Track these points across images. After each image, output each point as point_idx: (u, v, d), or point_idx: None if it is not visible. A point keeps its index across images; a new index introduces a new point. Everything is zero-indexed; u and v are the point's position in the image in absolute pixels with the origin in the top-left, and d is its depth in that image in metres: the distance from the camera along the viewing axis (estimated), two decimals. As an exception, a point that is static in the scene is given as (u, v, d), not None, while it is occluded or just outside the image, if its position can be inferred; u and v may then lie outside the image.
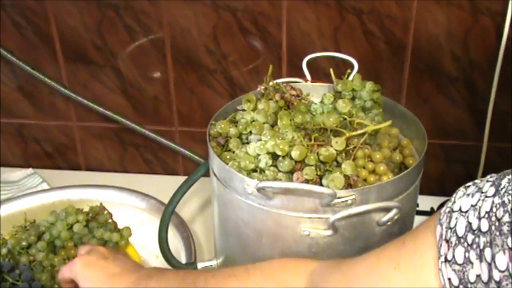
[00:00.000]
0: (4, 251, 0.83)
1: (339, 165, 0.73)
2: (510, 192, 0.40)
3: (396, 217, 0.71)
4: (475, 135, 1.04)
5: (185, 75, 1.07)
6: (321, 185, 0.72)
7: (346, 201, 0.68)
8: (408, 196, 0.74)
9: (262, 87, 0.85)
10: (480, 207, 0.42)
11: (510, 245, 0.38)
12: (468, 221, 0.42)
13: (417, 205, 0.84)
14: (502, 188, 0.41)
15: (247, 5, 0.98)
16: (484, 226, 0.41)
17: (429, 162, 0.80)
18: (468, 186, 0.45)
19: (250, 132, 0.79)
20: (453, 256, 0.42)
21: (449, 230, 0.43)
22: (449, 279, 0.43)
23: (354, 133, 0.76)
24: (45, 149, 1.19)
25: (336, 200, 0.68)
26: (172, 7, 1.00)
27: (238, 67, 1.05)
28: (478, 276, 0.40)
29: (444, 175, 1.11)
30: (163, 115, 1.12)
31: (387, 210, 0.70)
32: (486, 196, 0.42)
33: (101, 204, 0.94)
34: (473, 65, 0.99)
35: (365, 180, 0.74)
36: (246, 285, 0.61)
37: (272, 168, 0.74)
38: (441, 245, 0.44)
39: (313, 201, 0.69)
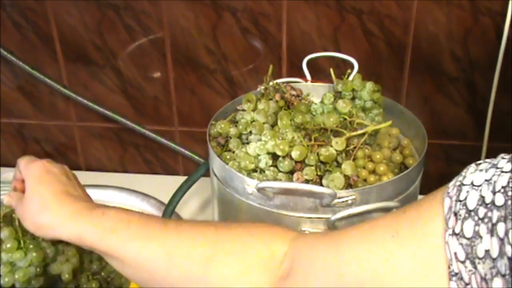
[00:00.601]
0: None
1: (339, 165, 0.73)
2: None
3: (396, 217, 0.71)
4: (475, 135, 1.04)
5: (185, 75, 1.07)
6: (321, 185, 0.72)
7: (346, 201, 0.68)
8: (408, 196, 0.74)
9: (262, 87, 0.85)
10: (495, 182, 0.41)
11: None
12: (480, 195, 0.41)
13: (417, 205, 0.84)
14: None
15: (247, 5, 0.98)
16: (499, 200, 0.39)
17: (429, 162, 0.80)
18: (480, 164, 0.44)
19: (250, 132, 0.79)
20: (461, 230, 0.41)
21: (459, 203, 0.42)
22: (455, 253, 0.41)
23: (354, 133, 0.76)
24: (45, 149, 1.19)
25: (336, 200, 0.68)
26: (172, 7, 1.00)
27: (238, 67, 1.05)
28: (487, 251, 0.39)
29: (444, 175, 1.10)
30: (163, 115, 1.12)
31: (387, 210, 0.70)
32: (502, 171, 0.41)
33: None
34: (473, 65, 0.99)
35: (365, 180, 0.74)
36: (227, 236, 0.57)
37: (272, 168, 0.74)
38: (449, 218, 0.42)
39: (313, 201, 0.69)
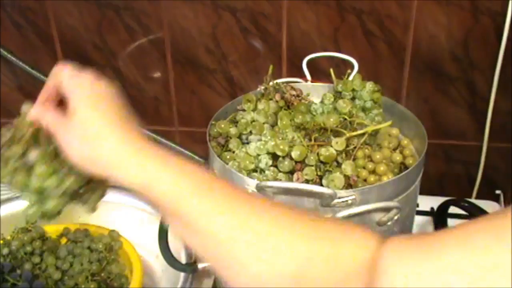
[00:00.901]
0: (5, 251, 0.82)
1: (339, 165, 0.73)
2: None
3: (396, 217, 0.71)
4: (475, 135, 1.04)
5: (185, 75, 1.07)
6: (321, 185, 0.72)
7: (346, 201, 0.68)
8: (408, 196, 0.74)
9: (262, 87, 0.85)
10: None
11: None
12: None
13: (417, 205, 0.84)
14: None
15: (247, 5, 0.98)
16: None
17: (429, 162, 0.80)
18: None
19: (250, 132, 0.79)
20: None
21: None
22: None
23: (354, 133, 0.76)
24: (45, 149, 1.19)
25: (336, 200, 0.68)
26: (172, 7, 1.00)
27: (238, 67, 1.05)
28: None
29: (444, 175, 1.11)
30: (163, 115, 1.12)
31: (387, 210, 0.70)
32: None
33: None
34: (473, 65, 0.99)
35: (365, 180, 0.74)
36: (324, 233, 0.48)
37: (272, 168, 0.74)
38: None
39: (313, 201, 0.69)
